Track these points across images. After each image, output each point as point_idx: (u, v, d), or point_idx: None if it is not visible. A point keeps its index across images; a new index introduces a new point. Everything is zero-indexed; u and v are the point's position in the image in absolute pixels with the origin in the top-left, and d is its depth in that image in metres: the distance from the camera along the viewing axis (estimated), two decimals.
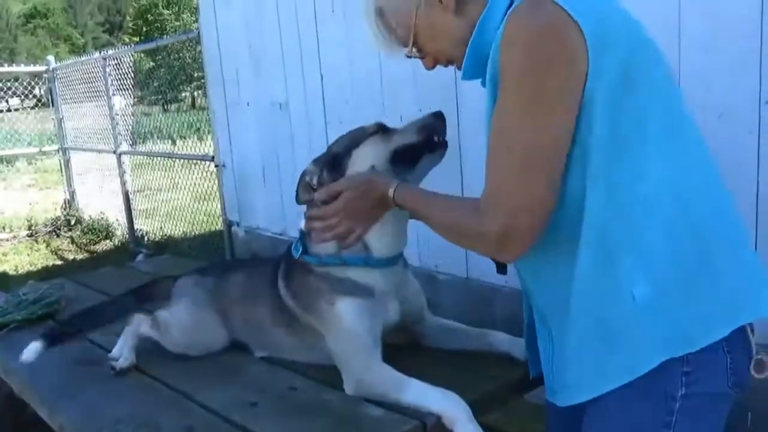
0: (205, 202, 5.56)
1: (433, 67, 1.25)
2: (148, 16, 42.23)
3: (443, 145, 1.43)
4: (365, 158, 1.43)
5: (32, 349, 1.81)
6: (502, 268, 1.26)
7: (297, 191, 1.50)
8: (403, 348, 1.60)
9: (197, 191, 5.67)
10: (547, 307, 1.18)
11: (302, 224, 1.50)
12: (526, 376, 1.46)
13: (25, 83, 8.24)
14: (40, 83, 7.98)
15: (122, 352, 1.70)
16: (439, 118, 1.43)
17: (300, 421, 1.35)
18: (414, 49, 1.20)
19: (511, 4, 1.06)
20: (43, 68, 7.71)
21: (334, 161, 1.46)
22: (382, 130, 1.46)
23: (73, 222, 7.33)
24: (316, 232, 1.41)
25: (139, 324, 1.75)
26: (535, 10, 0.98)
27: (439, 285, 2.72)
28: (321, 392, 1.46)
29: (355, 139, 1.47)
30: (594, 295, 1.04)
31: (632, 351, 1.02)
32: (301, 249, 1.51)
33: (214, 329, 1.72)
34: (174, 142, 7.21)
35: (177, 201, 6.22)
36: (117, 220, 6.82)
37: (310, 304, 1.50)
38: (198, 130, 6.49)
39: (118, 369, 1.66)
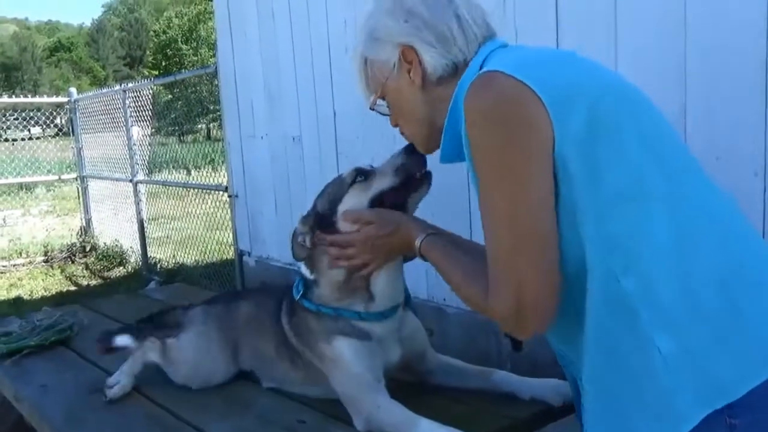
0: (218, 232, 5.56)
1: (396, 126, 1.26)
2: (168, 51, 43.05)
3: (426, 178, 1.39)
4: None
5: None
6: (518, 346, 1.23)
7: (293, 250, 1.48)
8: (412, 385, 1.57)
9: (210, 220, 5.68)
10: (579, 366, 1.10)
11: (304, 271, 1.49)
12: (534, 414, 1.43)
13: (47, 113, 8.35)
14: (62, 113, 8.08)
15: (119, 380, 1.68)
16: (411, 153, 1.38)
17: None
18: (381, 102, 1.22)
19: None
20: (65, 99, 7.83)
21: (322, 220, 1.43)
22: (360, 176, 1.42)
23: (88, 248, 7.36)
24: (331, 258, 1.40)
25: (147, 351, 1.73)
26: (488, 85, 0.98)
27: (448, 318, 2.68)
28: (329, 426, 1.43)
29: (337, 194, 1.43)
30: (616, 352, 0.98)
31: (664, 406, 0.95)
32: (301, 291, 1.49)
33: (215, 364, 1.69)
34: (189, 172, 7.27)
35: (190, 230, 6.23)
36: (131, 247, 6.83)
37: (310, 344, 1.48)
38: (212, 161, 6.54)
39: (108, 397, 1.63)
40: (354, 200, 1.40)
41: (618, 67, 1.96)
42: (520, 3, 2.22)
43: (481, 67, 1.07)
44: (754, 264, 1.01)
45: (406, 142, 1.34)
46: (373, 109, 1.25)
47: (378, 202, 1.38)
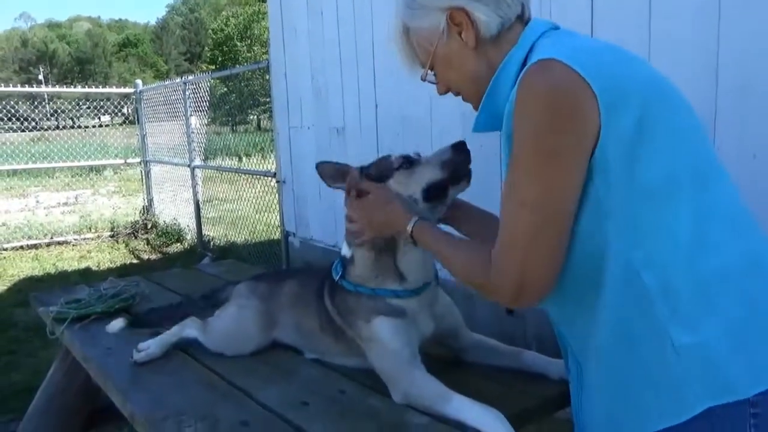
0: (266, 214, 5.60)
1: (445, 93, 1.20)
2: (224, 47, 43.45)
3: (467, 175, 1.35)
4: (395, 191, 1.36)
5: (116, 325, 1.90)
6: (510, 311, 1.22)
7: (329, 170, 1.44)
8: (447, 362, 1.54)
9: (259, 203, 5.72)
10: (577, 348, 1.09)
11: (344, 250, 1.47)
12: (561, 393, 1.39)
13: (115, 103, 8.52)
14: (129, 103, 8.23)
15: (149, 346, 1.68)
16: (461, 151, 1.33)
17: (348, 424, 1.30)
18: (430, 72, 1.15)
19: (525, 62, 1.00)
20: (131, 90, 7.96)
21: (371, 178, 1.40)
22: (406, 163, 1.37)
23: (149, 226, 7.51)
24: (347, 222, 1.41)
25: (186, 327, 1.73)
26: (546, 72, 0.92)
27: (475, 301, 2.64)
28: (368, 397, 1.40)
29: (385, 171, 1.39)
30: (630, 340, 0.95)
31: (673, 396, 0.91)
32: (340, 272, 1.47)
33: (249, 336, 1.68)
34: (240, 159, 7.33)
35: (240, 211, 6.29)
36: (187, 225, 6.94)
37: (350, 322, 1.46)
38: (262, 149, 6.58)
39: (134, 359, 1.65)
40: (398, 183, 1.36)
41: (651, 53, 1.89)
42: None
43: (531, 48, 1.01)
44: None
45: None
46: (424, 80, 1.18)
47: (424, 195, 1.35)
